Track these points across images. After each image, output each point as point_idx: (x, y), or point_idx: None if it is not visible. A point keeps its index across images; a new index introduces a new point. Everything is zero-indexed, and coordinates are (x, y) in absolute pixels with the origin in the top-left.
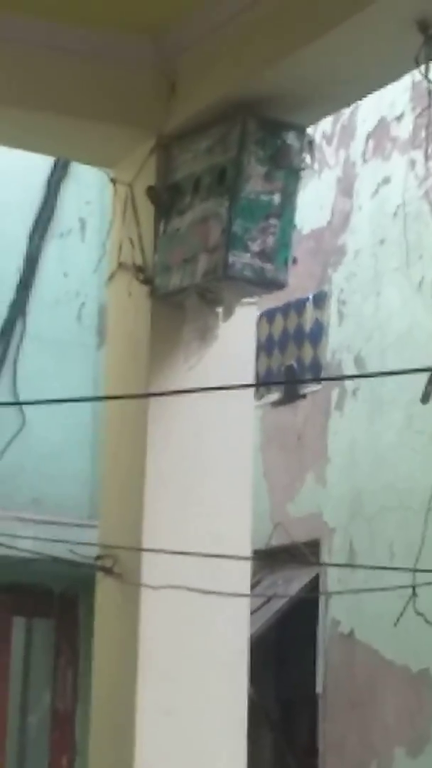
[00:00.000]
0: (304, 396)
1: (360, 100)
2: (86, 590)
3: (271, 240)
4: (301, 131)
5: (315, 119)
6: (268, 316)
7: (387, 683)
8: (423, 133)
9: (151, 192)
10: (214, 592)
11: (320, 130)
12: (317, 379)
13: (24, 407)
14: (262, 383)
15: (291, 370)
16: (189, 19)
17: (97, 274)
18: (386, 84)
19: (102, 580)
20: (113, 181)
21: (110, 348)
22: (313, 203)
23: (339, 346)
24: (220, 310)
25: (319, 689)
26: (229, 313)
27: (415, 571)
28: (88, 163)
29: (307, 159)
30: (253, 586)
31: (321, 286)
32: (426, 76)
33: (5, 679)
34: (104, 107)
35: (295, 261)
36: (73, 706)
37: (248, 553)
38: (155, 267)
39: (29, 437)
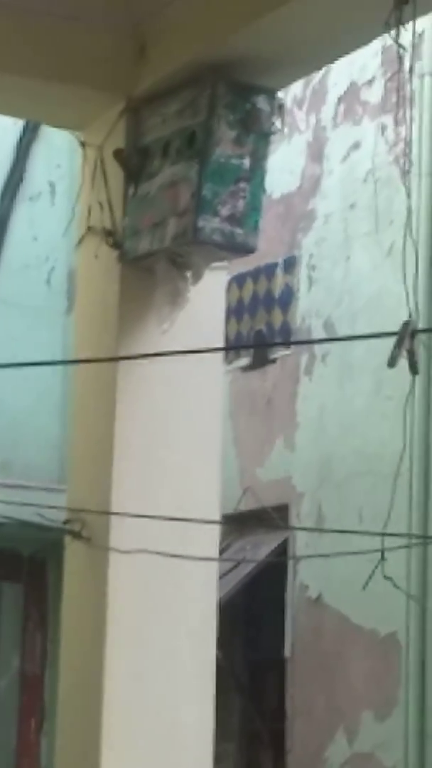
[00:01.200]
0: (273, 361)
1: (330, 63)
2: (55, 554)
3: (240, 204)
4: (271, 95)
5: (285, 83)
6: (238, 280)
7: (355, 647)
8: (393, 98)
9: (119, 155)
10: (182, 557)
11: (291, 93)
12: (286, 343)
13: None
14: (232, 347)
15: (260, 334)
16: None
17: (66, 238)
18: (357, 48)
19: (70, 544)
20: (83, 144)
21: (79, 312)
22: (283, 168)
23: (308, 311)
24: (189, 274)
25: (287, 653)
26: (198, 277)
27: (384, 535)
28: (57, 126)
29: (278, 123)
30: (221, 551)
31: (291, 250)
32: (396, 41)
33: None
34: (74, 70)
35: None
36: (42, 669)
37: (217, 517)
38: (124, 231)
39: None
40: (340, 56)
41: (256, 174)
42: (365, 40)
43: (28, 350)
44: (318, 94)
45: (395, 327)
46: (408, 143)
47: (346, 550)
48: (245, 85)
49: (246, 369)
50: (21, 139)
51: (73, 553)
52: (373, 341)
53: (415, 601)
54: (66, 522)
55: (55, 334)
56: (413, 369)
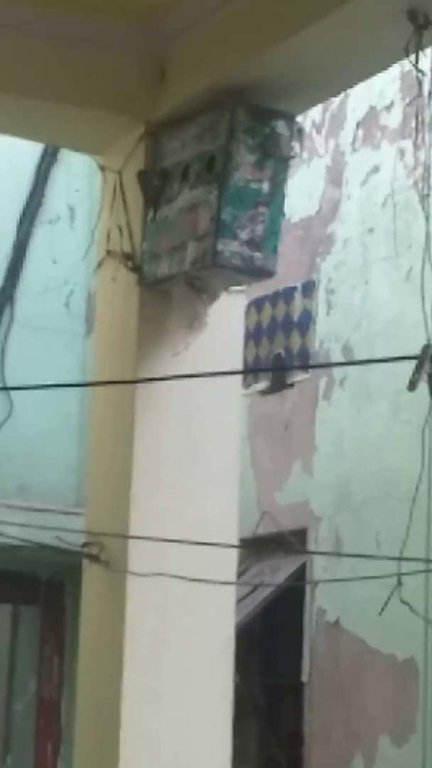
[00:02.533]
0: (291, 385)
1: (349, 88)
2: (72, 577)
3: (260, 228)
4: (290, 119)
5: (304, 108)
6: (257, 304)
7: (372, 672)
8: (412, 123)
9: (142, 176)
10: (200, 580)
11: (310, 118)
12: (305, 366)
13: (12, 395)
14: (250, 370)
15: (279, 358)
16: (179, 7)
17: (85, 262)
18: (376, 73)
19: (88, 568)
20: (102, 168)
21: (98, 335)
22: (302, 192)
23: (327, 334)
24: (207, 297)
25: (304, 678)
26: (213, 298)
27: (401, 559)
28: (77, 150)
29: (297, 147)
30: (239, 575)
31: (309, 275)
32: (415, 66)
33: None
34: (94, 94)
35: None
36: (59, 693)
37: (235, 541)
38: (143, 254)
39: (17, 425)
40: (360, 81)
41: (275, 198)
42: (384, 65)
43: (47, 373)
44: (337, 118)
45: (413, 351)
46: (427, 168)
47: (363, 575)
48: (264, 109)
49: (264, 393)
50: (40, 163)
51: (90, 576)
52: (391, 365)
53: None
54: (84, 545)
55: (74, 357)
56: None
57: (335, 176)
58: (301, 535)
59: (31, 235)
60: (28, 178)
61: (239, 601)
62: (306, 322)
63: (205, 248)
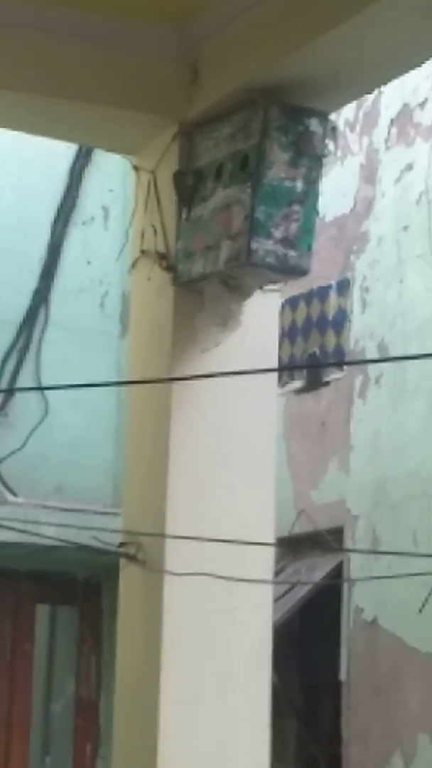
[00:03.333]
0: (327, 383)
1: (382, 86)
2: (110, 578)
3: (294, 227)
4: (323, 117)
5: (338, 106)
6: (291, 303)
7: (410, 670)
8: None
9: (178, 177)
10: (237, 579)
11: (343, 116)
12: (340, 363)
13: (47, 395)
14: (286, 367)
15: (314, 357)
16: (211, 6)
17: (120, 262)
18: (409, 70)
19: (125, 568)
20: (136, 168)
21: (133, 335)
22: (336, 190)
23: (362, 333)
24: (242, 296)
25: (342, 677)
26: (247, 297)
27: None
28: (110, 150)
29: (330, 145)
30: (276, 574)
31: (344, 273)
32: None
33: (29, 666)
34: (127, 94)
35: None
36: (97, 693)
37: (271, 540)
38: (178, 254)
39: (53, 425)
40: (393, 78)
41: (309, 196)
42: (418, 62)
43: (82, 373)
44: (370, 116)
45: None
46: None
47: (401, 573)
48: (298, 108)
49: (300, 391)
50: (74, 163)
51: (128, 576)
52: (426, 363)
53: None
54: (121, 545)
55: (109, 358)
56: None
57: (369, 174)
58: (337, 533)
59: (65, 236)
60: (61, 179)
61: (276, 600)
62: (341, 320)
63: (239, 247)
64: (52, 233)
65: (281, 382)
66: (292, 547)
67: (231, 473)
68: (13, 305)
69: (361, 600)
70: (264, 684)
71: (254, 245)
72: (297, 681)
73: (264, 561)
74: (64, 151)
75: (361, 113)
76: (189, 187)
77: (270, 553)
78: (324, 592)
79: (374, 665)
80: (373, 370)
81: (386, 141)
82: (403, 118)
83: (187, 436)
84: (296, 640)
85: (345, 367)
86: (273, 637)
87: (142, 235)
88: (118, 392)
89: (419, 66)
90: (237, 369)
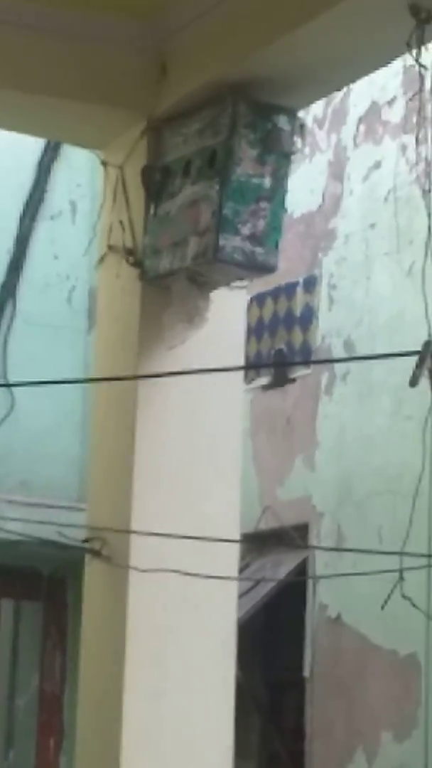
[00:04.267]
0: (293, 380)
1: (351, 83)
2: (74, 573)
3: (261, 223)
4: (292, 114)
5: (306, 103)
6: (258, 299)
7: (374, 667)
8: (414, 118)
9: (145, 172)
10: (202, 575)
11: (311, 113)
12: (306, 362)
13: (13, 390)
14: (252, 366)
15: (281, 354)
16: (180, 2)
17: (87, 257)
18: (378, 68)
19: (90, 563)
20: (104, 163)
21: (100, 331)
22: (303, 187)
23: (329, 330)
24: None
25: (306, 673)
26: (213, 290)
27: (403, 555)
28: (78, 145)
29: (298, 142)
30: (241, 570)
31: (311, 270)
32: (417, 61)
33: None
34: (95, 89)
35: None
36: (61, 688)
37: (237, 536)
38: (145, 250)
39: (18, 420)
40: (362, 76)
41: (276, 193)
42: (386, 60)
43: (49, 369)
44: (339, 113)
45: (415, 346)
46: (429, 163)
47: (365, 570)
48: (266, 104)
49: (266, 388)
50: (42, 158)
51: (92, 571)
52: (393, 361)
53: None
54: (86, 540)
55: (76, 353)
56: None
57: (337, 171)
58: (302, 530)
59: (32, 230)
60: (29, 174)
61: (241, 596)
62: (308, 317)
63: (207, 243)
64: (20, 227)
65: (247, 379)
66: (257, 543)
67: (196, 469)
68: None
69: (326, 597)
70: (228, 680)
71: (222, 242)
72: (261, 677)
73: (229, 557)
74: (32, 145)
75: (329, 110)
76: (157, 182)
77: (235, 549)
78: (288, 589)
79: (338, 662)
80: (339, 367)
81: (354, 138)
82: (372, 115)
83: (152, 432)
84: (260, 637)
85: (311, 364)
86: (237, 633)
87: (110, 231)
88: (84, 387)
89: (388, 64)
90: (203, 365)
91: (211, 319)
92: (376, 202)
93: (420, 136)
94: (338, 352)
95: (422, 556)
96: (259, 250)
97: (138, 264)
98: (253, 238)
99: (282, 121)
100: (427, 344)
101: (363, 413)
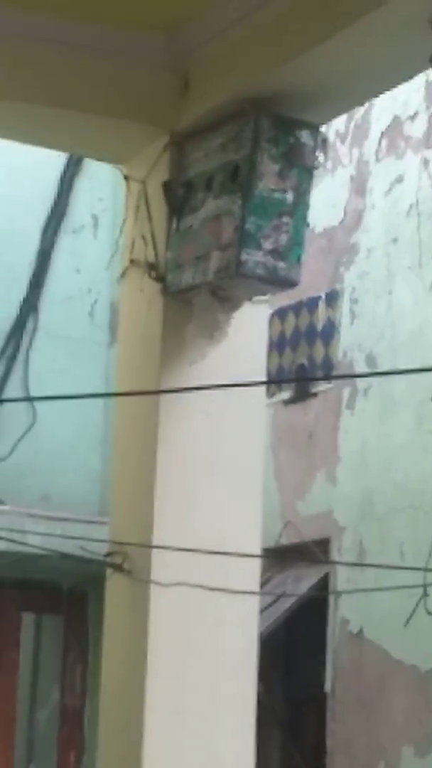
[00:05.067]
0: (315, 395)
1: (373, 98)
2: (96, 587)
3: (283, 238)
4: (314, 129)
5: (328, 117)
6: (280, 314)
7: (396, 683)
8: None
9: (167, 187)
10: (223, 590)
11: (334, 128)
12: (328, 377)
13: (35, 404)
14: (274, 380)
15: (302, 368)
16: (203, 17)
17: (109, 271)
18: (400, 83)
19: (111, 577)
20: (126, 178)
21: (122, 345)
22: (326, 202)
23: (351, 344)
24: (230, 307)
25: (327, 689)
26: (236, 308)
27: (426, 570)
28: (101, 160)
29: (321, 157)
30: (262, 585)
31: (333, 284)
32: None
33: (14, 675)
34: (118, 104)
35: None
36: (82, 702)
37: (258, 551)
38: (167, 264)
39: (40, 434)
40: (384, 91)
41: (299, 208)
42: (409, 75)
43: (70, 382)
44: (361, 128)
45: None
46: None
47: (387, 585)
48: (289, 119)
49: (288, 402)
50: (64, 172)
51: (113, 585)
52: (415, 375)
53: None
54: (107, 555)
55: (98, 367)
56: None
57: (359, 186)
58: (324, 545)
59: (55, 244)
60: (52, 188)
61: (262, 611)
62: (329, 332)
63: (229, 258)
64: (42, 241)
65: (269, 393)
66: (278, 558)
67: (218, 484)
68: (2, 313)
69: (347, 612)
70: (249, 695)
71: (244, 256)
72: (282, 692)
73: (250, 572)
74: (54, 160)
75: (351, 125)
76: (179, 197)
77: (256, 564)
78: (310, 604)
79: (359, 677)
80: (361, 381)
81: (377, 153)
82: (394, 130)
83: (174, 446)
84: (282, 652)
85: (333, 379)
86: (258, 648)
87: (132, 245)
88: (106, 401)
89: (410, 79)
90: (225, 380)
91: (232, 334)
92: (398, 217)
93: None
94: (360, 366)
95: None
96: (281, 264)
97: (160, 278)
98: (275, 253)
99: (304, 136)
100: None
101: (385, 428)
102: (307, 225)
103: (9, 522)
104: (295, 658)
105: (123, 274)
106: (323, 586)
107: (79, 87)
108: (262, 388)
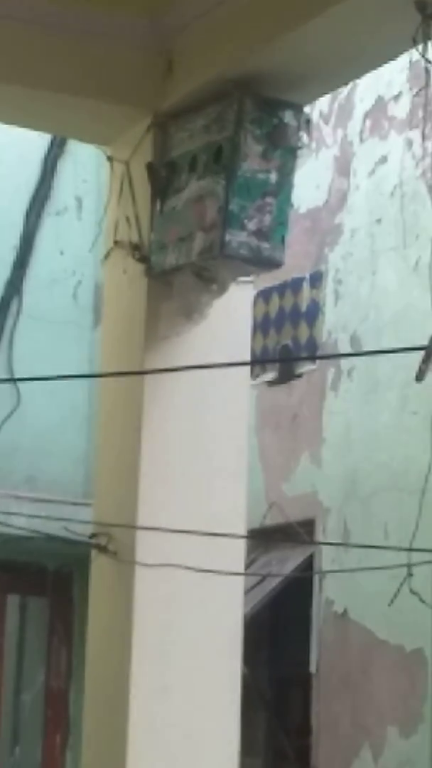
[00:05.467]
0: (299, 376)
1: (357, 79)
2: (81, 568)
3: (267, 219)
4: (298, 110)
5: (312, 98)
6: (264, 295)
7: (380, 663)
8: (420, 113)
9: (151, 168)
10: (208, 571)
11: (317, 108)
12: (312, 357)
13: (19, 386)
14: (258, 361)
15: (287, 349)
16: None
17: (93, 253)
18: (384, 63)
19: (96, 558)
20: (110, 159)
21: (106, 326)
22: (309, 182)
23: (335, 325)
24: (215, 287)
25: (312, 669)
26: (222, 289)
27: (410, 550)
28: (84, 141)
29: (304, 138)
30: (247, 566)
31: (317, 265)
32: (423, 56)
33: None
34: (101, 85)
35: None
36: (67, 684)
37: (243, 532)
38: (151, 245)
39: (24, 416)
40: (368, 71)
41: (282, 188)
42: (392, 56)
43: (55, 364)
44: (345, 109)
45: (421, 342)
46: None
47: (372, 566)
48: (272, 100)
49: (272, 384)
50: (48, 153)
51: (98, 567)
52: (399, 356)
53: None
54: (92, 536)
55: (82, 349)
56: None
57: (343, 166)
58: (308, 526)
59: (38, 226)
60: (35, 170)
61: (247, 592)
62: (314, 312)
63: (213, 239)
64: (26, 223)
65: (253, 374)
66: (263, 539)
67: (203, 465)
68: None
69: (332, 592)
70: (234, 675)
71: (228, 237)
72: (267, 673)
73: (235, 553)
74: (37, 141)
75: (335, 105)
76: (163, 178)
77: (241, 544)
78: (294, 585)
79: (344, 657)
80: (345, 362)
81: (360, 133)
82: (378, 110)
83: (158, 427)
84: (266, 632)
85: (317, 360)
86: (243, 628)
87: (116, 226)
88: (90, 383)
89: (394, 59)
90: (209, 361)
91: (216, 315)
92: (382, 198)
93: (426, 131)
94: (344, 347)
95: (429, 551)
96: (265, 245)
97: (144, 259)
98: (259, 234)
99: (288, 117)
100: None
101: (369, 409)
102: (291, 206)
103: None
104: (280, 638)
105: (107, 256)
106: (308, 566)
107: (62, 68)
108: (247, 369)
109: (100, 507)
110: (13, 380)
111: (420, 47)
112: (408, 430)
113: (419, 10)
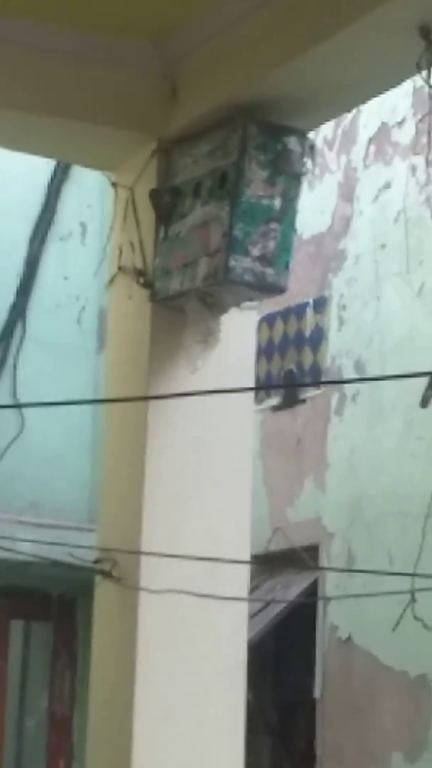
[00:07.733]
0: (303, 401)
1: (361, 105)
2: (85, 594)
3: (271, 244)
4: (302, 136)
5: (316, 124)
6: (269, 320)
7: (385, 688)
8: (424, 139)
9: (154, 195)
10: (212, 597)
11: (321, 134)
12: (317, 383)
13: (23, 411)
14: (262, 387)
15: (291, 374)
16: (191, 24)
17: (97, 278)
18: (387, 89)
19: (100, 584)
20: (114, 184)
21: (110, 352)
22: (313, 208)
23: (339, 351)
24: (219, 314)
25: (317, 694)
26: (223, 312)
27: (414, 576)
28: (89, 167)
29: (308, 164)
30: (251, 591)
31: (321, 290)
32: (427, 82)
33: (3, 682)
34: (105, 111)
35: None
36: (71, 709)
37: (247, 557)
38: (155, 271)
39: (28, 441)
40: (371, 97)
41: (287, 214)
42: (396, 82)
43: (59, 389)
44: (349, 134)
45: (426, 367)
46: None
47: (376, 591)
48: (276, 126)
49: (276, 409)
50: (52, 179)
51: (102, 592)
52: (403, 381)
53: None
54: (96, 561)
55: (86, 374)
56: None
57: (347, 192)
58: (313, 551)
59: (42, 251)
60: (39, 195)
61: (251, 617)
62: (318, 338)
63: (217, 264)
64: (30, 248)
65: (258, 399)
66: (267, 564)
67: (207, 490)
68: None
69: (336, 618)
70: (238, 701)
71: (232, 263)
72: (271, 698)
73: (239, 578)
74: (42, 167)
75: (339, 131)
76: (167, 204)
77: (245, 570)
78: (299, 610)
79: (349, 683)
80: (349, 387)
81: (364, 159)
82: (382, 136)
83: (163, 452)
84: (271, 658)
85: (322, 385)
86: (248, 654)
87: (120, 252)
88: (94, 408)
89: (398, 85)
90: (214, 386)
91: (221, 340)
92: (386, 223)
93: (430, 157)
94: (348, 372)
95: None
96: (269, 271)
97: (148, 285)
98: (264, 259)
99: (292, 143)
100: None
101: (373, 434)
102: (295, 231)
103: None
104: (284, 664)
105: (111, 281)
106: (312, 592)
107: (66, 94)
108: (251, 395)
109: (104, 532)
110: (17, 406)
111: (424, 73)
112: (412, 455)
113: (423, 37)
